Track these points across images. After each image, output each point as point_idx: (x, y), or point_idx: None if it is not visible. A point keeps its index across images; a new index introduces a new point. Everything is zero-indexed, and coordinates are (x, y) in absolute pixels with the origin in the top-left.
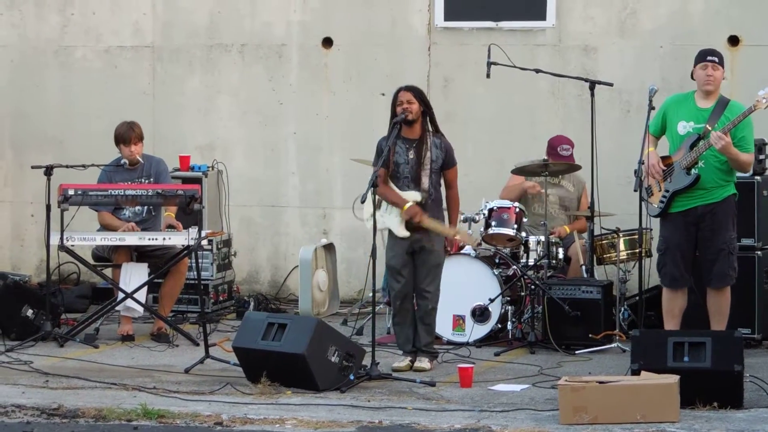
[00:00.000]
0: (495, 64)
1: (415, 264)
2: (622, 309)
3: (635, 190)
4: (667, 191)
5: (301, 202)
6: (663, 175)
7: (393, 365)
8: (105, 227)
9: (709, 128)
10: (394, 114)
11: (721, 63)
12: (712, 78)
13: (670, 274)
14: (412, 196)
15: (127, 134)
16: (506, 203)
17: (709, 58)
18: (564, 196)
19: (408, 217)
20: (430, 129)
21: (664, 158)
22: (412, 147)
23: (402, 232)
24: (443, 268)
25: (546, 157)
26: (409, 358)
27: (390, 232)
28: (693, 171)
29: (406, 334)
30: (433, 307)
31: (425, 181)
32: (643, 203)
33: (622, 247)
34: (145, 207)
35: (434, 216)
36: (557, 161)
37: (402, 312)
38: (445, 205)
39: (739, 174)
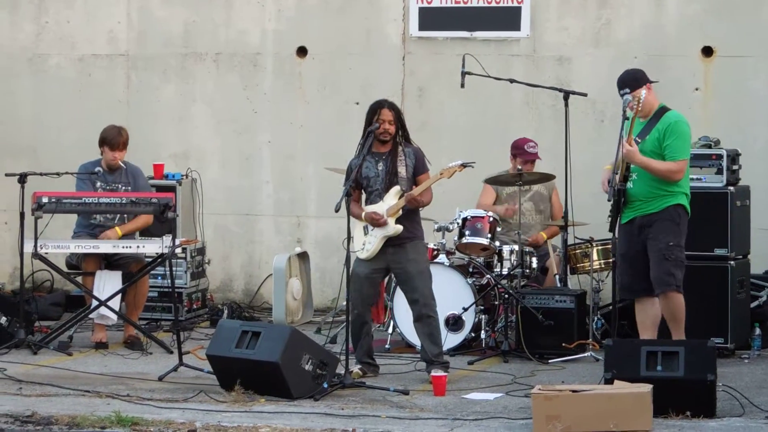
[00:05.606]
0: (469, 73)
1: (398, 280)
2: (596, 318)
3: (609, 200)
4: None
5: (275, 210)
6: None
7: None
8: None
9: (639, 141)
10: (369, 125)
11: (635, 87)
12: (633, 105)
13: (621, 284)
14: (394, 191)
15: (115, 139)
16: (480, 212)
17: (620, 92)
18: (538, 200)
19: (370, 221)
20: (401, 141)
21: None
22: (381, 159)
23: (398, 227)
24: None
25: (519, 167)
26: (359, 367)
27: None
28: (628, 183)
29: (359, 345)
30: (428, 314)
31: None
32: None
33: (595, 256)
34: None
35: (410, 225)
36: (527, 160)
37: (358, 321)
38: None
39: (710, 184)
